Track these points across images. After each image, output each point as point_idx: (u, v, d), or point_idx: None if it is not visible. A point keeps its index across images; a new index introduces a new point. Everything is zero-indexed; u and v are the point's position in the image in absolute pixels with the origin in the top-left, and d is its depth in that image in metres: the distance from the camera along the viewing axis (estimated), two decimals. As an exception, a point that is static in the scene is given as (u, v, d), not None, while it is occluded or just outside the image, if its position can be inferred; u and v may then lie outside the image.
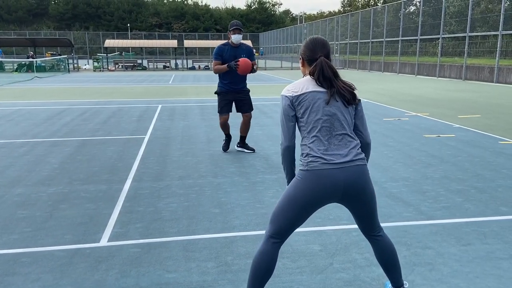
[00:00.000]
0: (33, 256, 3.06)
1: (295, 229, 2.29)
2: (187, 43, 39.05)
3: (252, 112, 6.05)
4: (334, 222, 3.59)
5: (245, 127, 6.01)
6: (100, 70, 33.07)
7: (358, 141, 2.26)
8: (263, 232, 3.40)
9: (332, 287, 2.61)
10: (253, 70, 5.67)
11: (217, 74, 5.96)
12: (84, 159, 5.76)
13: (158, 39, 57.13)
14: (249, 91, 6.05)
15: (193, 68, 36.59)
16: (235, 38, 5.75)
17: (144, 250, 3.13)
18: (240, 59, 5.53)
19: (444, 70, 22.18)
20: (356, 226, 3.44)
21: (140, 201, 4.17)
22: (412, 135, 7.19)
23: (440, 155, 5.81)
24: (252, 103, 6.12)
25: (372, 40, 29.89)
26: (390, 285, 2.52)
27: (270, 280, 2.67)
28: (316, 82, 2.23)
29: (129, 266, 2.91)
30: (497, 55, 18.32)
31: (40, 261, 2.98)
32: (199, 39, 60.16)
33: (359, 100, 2.29)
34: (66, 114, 9.98)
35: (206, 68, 36.73)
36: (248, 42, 25.86)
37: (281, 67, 37.01)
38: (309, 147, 2.19)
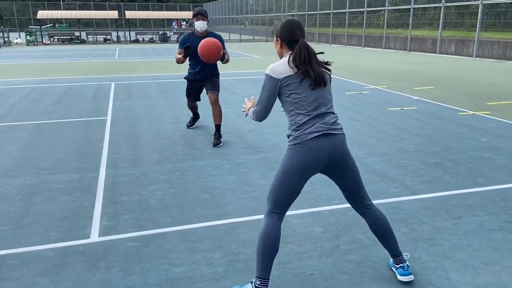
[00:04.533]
0: (19, 257, 2.82)
1: (293, 201, 2.40)
2: (129, 14, 37.17)
3: (218, 95, 5.50)
4: (327, 202, 3.60)
5: (214, 112, 5.41)
6: (34, 44, 30.86)
7: (337, 115, 2.44)
8: (262, 216, 3.35)
9: (345, 270, 2.62)
10: (222, 58, 5.11)
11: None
12: (45, 146, 5.37)
13: (94, 9, 53.90)
14: (217, 75, 5.64)
15: (136, 41, 35.10)
16: (199, 25, 5.33)
17: (141, 244, 2.98)
18: (200, 42, 4.84)
19: (390, 42, 22.84)
20: (348, 205, 3.48)
21: (122, 189, 3.96)
22: (377, 109, 7.36)
23: (409, 128, 6.00)
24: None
25: (320, 12, 30.05)
26: (391, 259, 2.59)
27: (281, 267, 2.66)
28: (296, 64, 2.31)
29: (130, 262, 2.75)
30: (440, 27, 19.08)
31: (30, 263, 2.75)
32: (139, 9, 57.45)
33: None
34: (10, 94, 9.22)
35: (151, 40, 35.39)
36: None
37: (230, 39, 36.43)
38: (297, 123, 2.35)
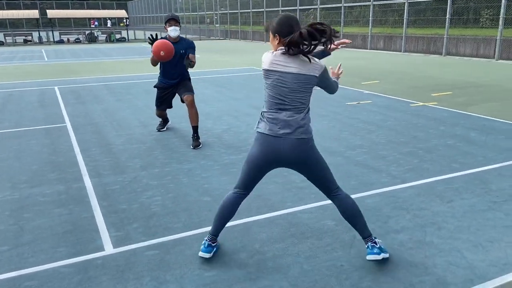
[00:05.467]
0: (35, 278, 2.65)
1: (250, 184, 2.77)
2: (52, 13, 34.96)
3: (194, 96, 5.44)
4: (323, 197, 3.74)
5: (190, 114, 5.34)
6: None
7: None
8: (271, 214, 3.43)
9: (370, 259, 2.78)
10: (187, 62, 5.17)
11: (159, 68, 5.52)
12: (11, 157, 5.00)
13: (7, 8, 49.91)
14: (189, 79, 5.59)
15: (61, 42, 33.17)
16: (172, 30, 5.23)
17: (162, 251, 2.92)
18: (154, 44, 4.89)
19: (323, 39, 23.69)
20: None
21: (117, 198, 3.82)
22: (337, 104, 7.68)
23: (373, 121, 6.35)
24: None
25: (253, 10, 30.38)
26: (367, 248, 2.76)
27: (311, 261, 2.76)
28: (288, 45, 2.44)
29: (158, 271, 2.70)
30: (370, 24, 20.16)
31: (50, 282, 2.60)
32: (57, 8, 54.14)
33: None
34: None
35: (77, 41, 33.64)
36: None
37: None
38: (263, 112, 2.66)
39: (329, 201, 3.60)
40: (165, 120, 6.12)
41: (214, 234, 2.84)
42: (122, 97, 8.89)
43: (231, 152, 5.05)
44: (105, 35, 35.45)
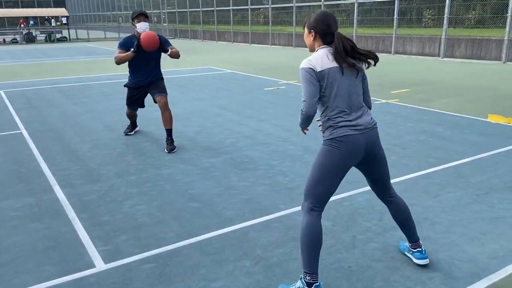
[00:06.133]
0: (23, 303, 2.40)
1: (331, 196, 2.43)
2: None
3: (167, 98, 5.22)
4: (318, 196, 3.71)
5: (164, 117, 5.11)
6: None
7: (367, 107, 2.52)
8: (265, 218, 3.34)
9: (376, 258, 2.76)
10: (162, 47, 4.94)
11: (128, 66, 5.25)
12: (-35, 169, 4.56)
13: None
14: (162, 78, 5.36)
15: (-5, 43, 31.07)
16: (141, 27, 4.98)
17: (160, 264, 2.75)
18: (141, 35, 4.83)
19: (275, 38, 23.87)
20: (340, 196, 3.66)
21: (96, 209, 3.57)
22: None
23: (342, 119, 6.42)
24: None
25: (202, 9, 30.03)
26: (405, 244, 2.82)
27: (320, 267, 2.69)
28: (336, 55, 2.35)
29: (161, 285, 2.53)
30: (321, 23, 20.54)
31: (41, 307, 2.36)
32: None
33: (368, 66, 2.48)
34: None
35: (14, 41, 31.66)
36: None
37: (105, 37, 34.45)
38: (333, 119, 2.37)
39: (322, 202, 3.59)
40: (133, 123, 5.85)
41: (315, 271, 2.37)
42: (78, 100, 8.42)
43: (210, 155, 4.90)
44: (45, 35, 33.63)
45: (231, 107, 7.46)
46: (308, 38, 2.47)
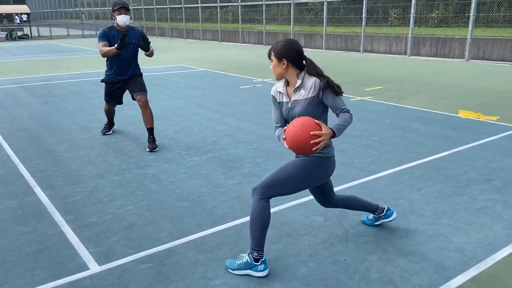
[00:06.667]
0: (18, 309, 2.32)
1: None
2: None
3: (147, 96, 5.15)
4: (306, 193, 3.73)
5: (145, 116, 5.05)
6: None
7: None
8: (257, 215, 3.35)
9: (369, 250, 2.83)
10: (143, 45, 4.86)
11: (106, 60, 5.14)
12: None
13: None
14: (141, 75, 5.30)
15: (-48, 40, 29.58)
16: (122, 20, 4.87)
17: (157, 264, 2.72)
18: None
19: (245, 36, 23.87)
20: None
21: (82, 210, 3.49)
22: (280, 101, 7.75)
23: (320, 117, 6.51)
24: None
25: (170, 6, 29.65)
26: (369, 217, 3.13)
27: (314, 259, 2.75)
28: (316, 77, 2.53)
29: (159, 285, 2.51)
30: (292, 22, 20.70)
31: (38, 312, 2.29)
32: None
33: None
34: None
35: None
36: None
37: (68, 35, 33.41)
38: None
39: (311, 197, 3.64)
40: (111, 122, 5.73)
41: (263, 248, 2.59)
42: (47, 99, 8.16)
43: (193, 153, 4.86)
44: (5, 33, 32.29)
45: (209, 106, 7.42)
46: (279, 68, 2.55)
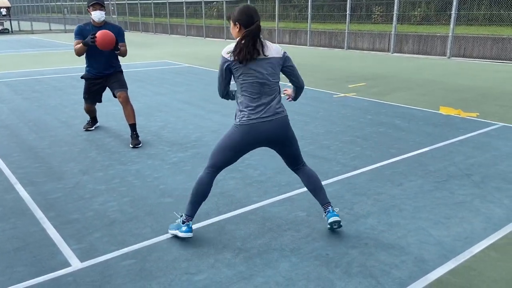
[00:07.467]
0: (-2, 306, 2.30)
1: (228, 166, 2.94)
2: None
3: (127, 92, 5.11)
4: (290, 188, 3.79)
5: (126, 112, 5.02)
6: None
7: (280, 95, 2.88)
8: (241, 211, 3.37)
9: (351, 245, 2.87)
10: (117, 48, 4.82)
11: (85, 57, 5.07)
12: None
13: None
14: (121, 72, 5.24)
15: None
16: (97, 16, 4.82)
17: (139, 260, 2.72)
18: (98, 32, 4.62)
19: (229, 32, 23.78)
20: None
21: (64, 207, 3.45)
22: (264, 97, 7.76)
23: (305, 112, 6.56)
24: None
25: (154, 1, 29.37)
26: (328, 213, 3.01)
27: (297, 253, 2.78)
28: (248, 45, 2.65)
29: (142, 281, 2.51)
30: (276, 19, 20.71)
31: (18, 309, 2.27)
32: None
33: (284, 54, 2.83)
34: None
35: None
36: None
37: (50, 29, 32.85)
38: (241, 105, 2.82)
39: (294, 192, 3.69)
40: (93, 119, 5.67)
41: (192, 215, 2.93)
42: (28, 95, 8.02)
43: (177, 149, 4.85)
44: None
45: (193, 102, 7.40)
46: (234, 30, 2.78)
